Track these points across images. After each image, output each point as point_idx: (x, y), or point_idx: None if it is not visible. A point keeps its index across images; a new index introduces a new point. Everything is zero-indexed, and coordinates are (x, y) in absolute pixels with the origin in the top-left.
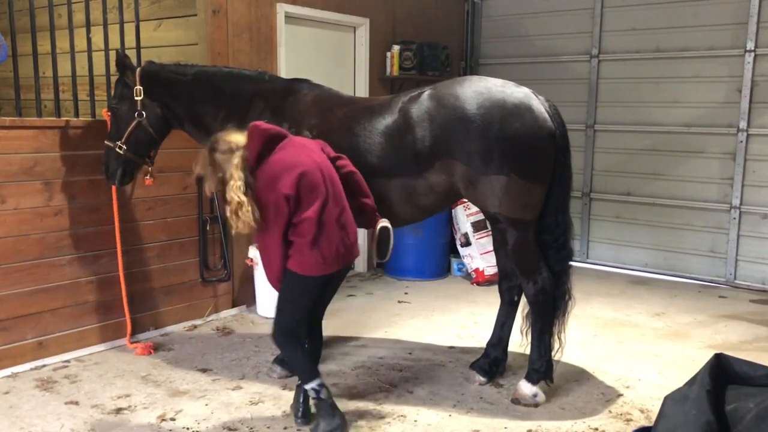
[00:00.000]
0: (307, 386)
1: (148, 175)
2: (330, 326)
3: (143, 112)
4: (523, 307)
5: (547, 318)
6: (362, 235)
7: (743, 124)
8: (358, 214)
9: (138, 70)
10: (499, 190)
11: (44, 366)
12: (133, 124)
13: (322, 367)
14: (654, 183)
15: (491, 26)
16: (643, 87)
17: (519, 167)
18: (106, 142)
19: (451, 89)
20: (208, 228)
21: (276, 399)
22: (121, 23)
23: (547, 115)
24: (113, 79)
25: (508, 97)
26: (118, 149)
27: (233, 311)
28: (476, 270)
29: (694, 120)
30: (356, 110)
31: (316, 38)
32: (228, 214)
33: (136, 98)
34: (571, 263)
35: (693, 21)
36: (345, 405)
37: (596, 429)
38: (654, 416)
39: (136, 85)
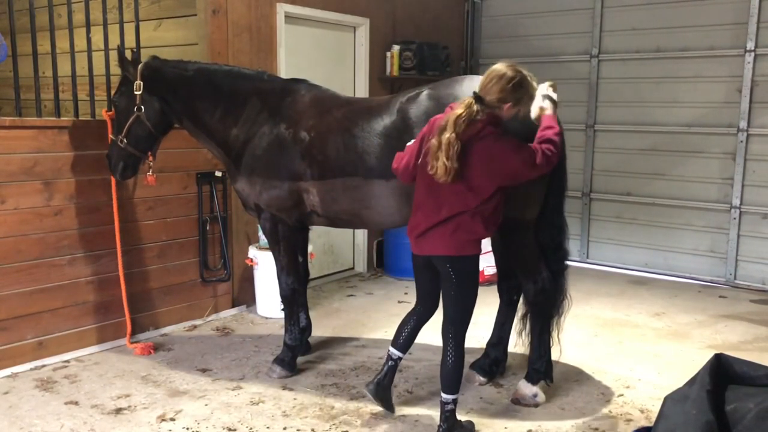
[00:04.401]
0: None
1: (150, 172)
2: (330, 326)
3: (141, 107)
4: (519, 308)
5: (547, 318)
6: (361, 234)
7: (743, 124)
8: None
9: (140, 65)
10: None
11: (44, 366)
12: (132, 118)
13: (322, 367)
14: (654, 183)
15: (491, 26)
16: (643, 87)
17: None
18: (110, 135)
19: (449, 89)
20: (208, 228)
21: (276, 399)
22: (121, 23)
23: None
24: (113, 79)
25: None
26: (120, 143)
27: (233, 311)
28: None
29: (694, 120)
30: (354, 111)
31: (316, 38)
32: None
33: (135, 93)
34: (568, 263)
35: (693, 21)
36: (345, 405)
37: (596, 429)
38: (654, 416)
39: (136, 80)
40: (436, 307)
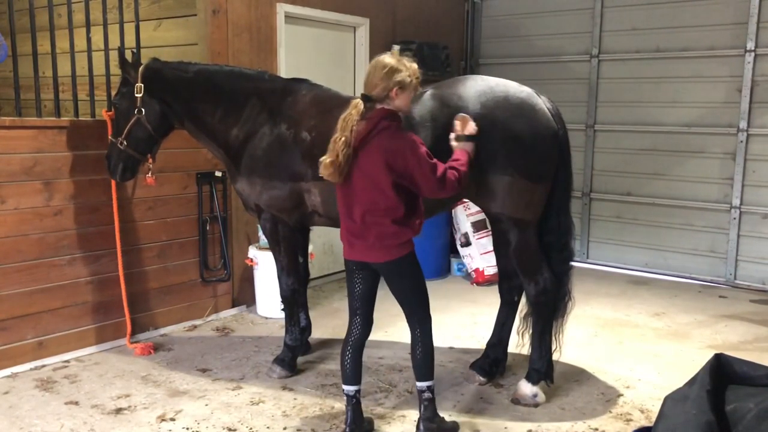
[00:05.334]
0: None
1: (150, 173)
2: (330, 326)
3: (142, 109)
4: (521, 308)
5: (548, 318)
6: None
7: (743, 124)
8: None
9: (140, 67)
10: (501, 190)
11: (44, 366)
12: (133, 120)
13: (322, 367)
14: (654, 183)
15: (491, 26)
16: (643, 87)
17: (522, 167)
18: (109, 137)
19: (453, 89)
20: (208, 228)
21: (276, 399)
22: (121, 23)
23: (549, 115)
24: (113, 79)
25: (511, 96)
26: (119, 145)
27: (233, 311)
28: (476, 270)
29: (694, 120)
30: None
31: (316, 38)
32: None
33: (136, 95)
34: (572, 264)
35: (693, 21)
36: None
37: (596, 429)
38: (654, 416)
39: (137, 82)
40: (371, 318)
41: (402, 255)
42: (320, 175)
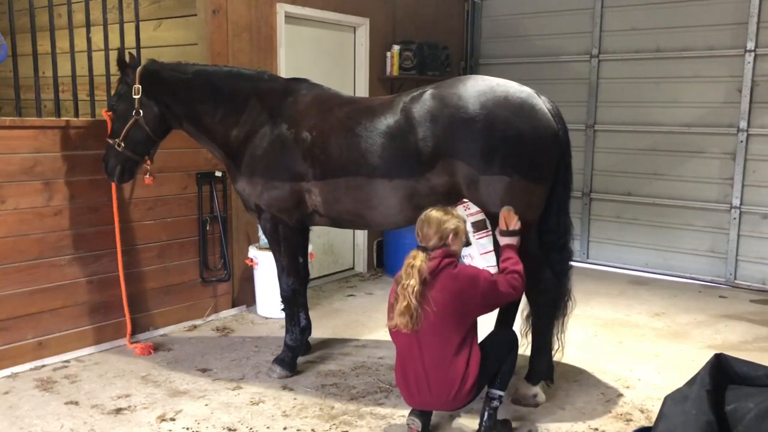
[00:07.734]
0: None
1: (148, 174)
2: (330, 326)
3: (140, 111)
4: (523, 308)
5: (549, 318)
6: (361, 234)
7: (743, 124)
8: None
9: (138, 69)
10: (501, 191)
11: (44, 366)
12: (131, 122)
13: (322, 367)
14: (654, 183)
15: (491, 26)
16: (643, 87)
17: (522, 167)
18: (107, 139)
19: (453, 89)
20: (208, 228)
21: (276, 399)
22: (121, 23)
23: (550, 115)
24: (113, 79)
25: (512, 96)
26: (117, 147)
27: (233, 311)
28: None
29: (694, 120)
30: (357, 110)
31: (316, 38)
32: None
33: (134, 97)
34: (572, 264)
35: (693, 21)
36: (345, 405)
37: (596, 429)
38: (654, 416)
39: (135, 84)
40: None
41: (473, 397)
42: (392, 328)
